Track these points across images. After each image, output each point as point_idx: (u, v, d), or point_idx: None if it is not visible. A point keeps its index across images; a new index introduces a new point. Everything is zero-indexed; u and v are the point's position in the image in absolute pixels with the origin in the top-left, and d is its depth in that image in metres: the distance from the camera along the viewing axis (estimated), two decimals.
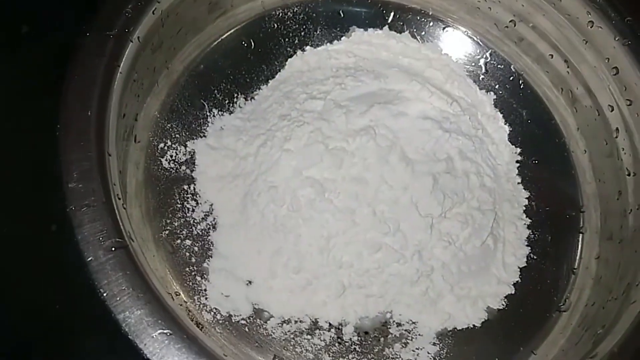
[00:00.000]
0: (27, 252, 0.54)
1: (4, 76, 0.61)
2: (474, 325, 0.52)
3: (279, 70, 0.60)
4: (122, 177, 0.46)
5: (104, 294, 0.33)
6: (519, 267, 0.55)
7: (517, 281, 0.54)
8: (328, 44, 0.62)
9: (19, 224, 0.54)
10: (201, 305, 0.49)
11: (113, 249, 0.34)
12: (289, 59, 0.60)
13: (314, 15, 0.62)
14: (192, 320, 0.42)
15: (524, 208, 0.58)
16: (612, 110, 0.55)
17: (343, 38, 0.62)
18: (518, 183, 0.59)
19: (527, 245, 0.56)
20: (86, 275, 0.33)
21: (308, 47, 0.61)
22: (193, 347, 0.33)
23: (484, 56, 0.64)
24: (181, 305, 0.46)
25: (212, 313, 0.49)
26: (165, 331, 0.33)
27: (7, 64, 0.60)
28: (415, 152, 0.52)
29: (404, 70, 0.59)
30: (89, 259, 0.34)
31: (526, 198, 0.58)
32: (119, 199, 0.37)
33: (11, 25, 0.61)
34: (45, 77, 0.58)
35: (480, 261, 0.53)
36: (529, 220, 0.57)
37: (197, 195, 0.54)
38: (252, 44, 0.60)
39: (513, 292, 0.54)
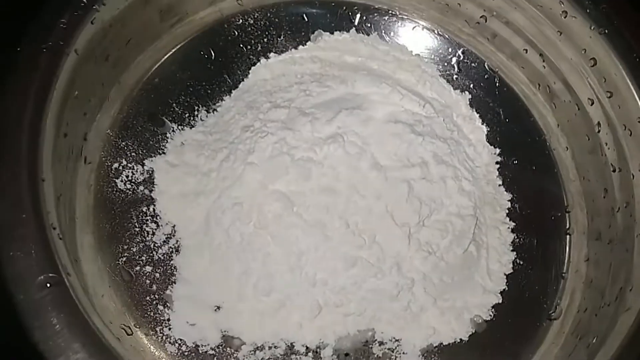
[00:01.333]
0: None
1: None
2: (460, 340, 0.49)
3: (242, 80, 0.56)
4: (69, 203, 0.42)
5: (35, 338, 0.29)
6: (505, 274, 0.52)
7: (504, 289, 0.52)
8: (292, 49, 0.59)
9: None
10: (164, 337, 0.46)
11: (47, 285, 0.31)
12: (252, 68, 0.57)
13: (277, 20, 0.59)
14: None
15: (507, 211, 0.55)
16: (592, 104, 0.53)
17: (308, 43, 0.59)
18: (499, 185, 0.56)
19: (512, 251, 0.53)
20: (15, 316, 0.29)
21: (272, 54, 0.58)
22: None
23: (457, 55, 0.61)
24: (144, 338, 0.42)
25: (177, 345, 0.46)
26: None
27: None
28: (387, 158, 0.48)
29: (373, 73, 0.56)
30: (20, 297, 0.30)
31: (508, 200, 0.55)
32: (54, 228, 0.33)
33: None
34: None
35: (463, 270, 0.50)
36: (513, 224, 0.54)
37: (158, 217, 0.50)
38: (212, 53, 0.56)
39: (500, 301, 0.51)
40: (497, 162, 0.57)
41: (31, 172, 0.33)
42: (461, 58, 0.61)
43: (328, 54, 0.59)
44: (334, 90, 0.53)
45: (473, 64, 0.61)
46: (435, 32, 0.61)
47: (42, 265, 0.31)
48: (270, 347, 0.47)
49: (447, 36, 0.61)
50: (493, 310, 0.51)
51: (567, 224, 0.55)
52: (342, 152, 0.48)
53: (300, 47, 0.59)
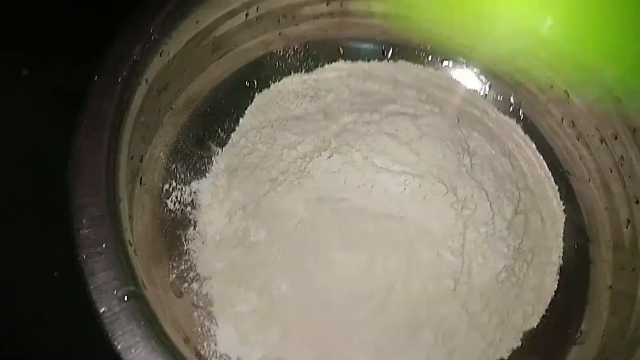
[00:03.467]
0: (31, 299, 0.53)
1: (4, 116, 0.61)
2: None
3: None
4: (130, 222, 0.45)
5: (119, 346, 0.31)
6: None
7: None
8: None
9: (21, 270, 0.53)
10: (210, 352, 0.48)
11: (126, 298, 0.33)
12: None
13: (314, 52, 0.63)
14: None
15: None
16: (616, 138, 0.56)
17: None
18: None
19: None
20: (97, 326, 0.32)
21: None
22: None
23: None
24: (193, 353, 0.44)
25: (223, 359, 0.48)
26: None
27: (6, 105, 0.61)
28: None
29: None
30: (102, 309, 0.32)
31: None
32: (131, 245, 0.36)
33: (12, 67, 0.62)
34: (44, 117, 0.59)
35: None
36: None
37: (202, 236, 0.53)
38: (255, 83, 0.60)
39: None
40: None
41: (110, 192, 0.36)
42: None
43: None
44: None
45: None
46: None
47: (122, 279, 0.34)
48: None
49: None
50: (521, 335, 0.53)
51: (591, 252, 0.58)
52: None
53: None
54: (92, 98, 0.38)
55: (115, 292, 0.33)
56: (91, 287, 0.33)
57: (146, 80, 0.42)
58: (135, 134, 0.43)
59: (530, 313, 0.55)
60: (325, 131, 0.53)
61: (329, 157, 0.50)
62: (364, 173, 0.49)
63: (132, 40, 0.41)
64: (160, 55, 0.44)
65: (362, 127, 0.51)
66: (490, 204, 0.51)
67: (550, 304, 0.55)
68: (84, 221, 0.34)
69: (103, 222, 0.34)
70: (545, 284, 0.56)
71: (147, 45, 0.41)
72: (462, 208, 0.50)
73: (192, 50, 0.50)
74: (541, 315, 0.55)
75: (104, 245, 0.34)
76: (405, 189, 0.48)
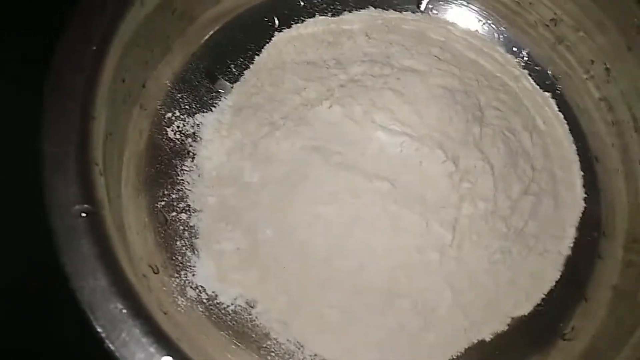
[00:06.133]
0: None
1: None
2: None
3: None
4: (119, 143, 0.46)
5: (64, 260, 0.32)
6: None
7: None
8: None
9: None
10: (187, 282, 0.49)
11: (82, 214, 0.34)
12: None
13: None
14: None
15: None
16: None
17: None
18: None
19: None
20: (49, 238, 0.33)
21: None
22: (147, 327, 0.32)
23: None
24: (163, 279, 0.45)
25: (197, 291, 0.49)
26: (119, 306, 0.32)
27: None
28: None
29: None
30: (56, 222, 0.33)
31: None
32: (97, 164, 0.36)
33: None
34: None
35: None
36: None
37: (200, 170, 0.53)
38: (276, 21, 0.58)
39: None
40: None
41: (83, 109, 0.36)
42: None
43: None
44: None
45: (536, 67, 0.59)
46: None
47: (79, 196, 0.34)
48: None
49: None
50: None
51: (601, 247, 0.54)
52: None
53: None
54: (78, 14, 0.37)
55: (70, 207, 0.33)
56: (48, 202, 0.33)
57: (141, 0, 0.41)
58: (131, 56, 0.43)
59: (522, 300, 0.52)
60: (332, 80, 0.50)
61: (329, 107, 0.48)
62: (362, 128, 0.47)
63: None
64: None
65: (369, 79, 0.48)
66: (495, 179, 0.48)
67: (546, 294, 0.52)
68: (51, 137, 0.34)
69: (69, 138, 0.35)
70: (545, 272, 0.53)
71: None
72: (460, 180, 0.47)
73: None
74: (535, 304, 0.52)
75: (67, 162, 0.34)
76: (401, 150, 0.46)
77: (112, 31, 0.39)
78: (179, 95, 0.54)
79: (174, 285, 0.48)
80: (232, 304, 0.48)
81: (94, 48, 0.37)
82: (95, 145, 0.36)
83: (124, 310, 0.32)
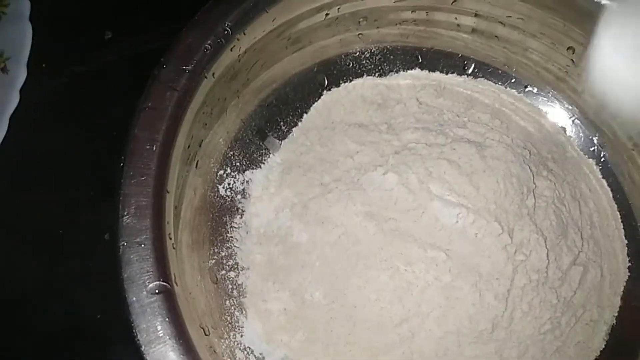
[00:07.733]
0: (80, 255, 0.56)
1: (84, 79, 0.64)
2: None
3: None
4: (177, 204, 0.46)
5: (140, 339, 0.32)
6: None
7: None
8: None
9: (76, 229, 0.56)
10: (235, 343, 0.49)
11: (157, 291, 0.34)
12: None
13: (391, 57, 0.61)
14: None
15: None
16: None
17: None
18: None
19: None
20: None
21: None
22: None
23: None
24: (214, 341, 0.45)
25: (245, 352, 0.49)
26: None
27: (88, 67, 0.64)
28: None
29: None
30: (132, 299, 0.33)
31: None
32: (170, 238, 0.37)
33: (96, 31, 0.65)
34: (121, 84, 0.61)
35: None
36: None
37: (247, 227, 0.53)
38: (325, 80, 0.59)
39: None
40: None
41: (158, 184, 0.37)
42: None
43: None
44: None
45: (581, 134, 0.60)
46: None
47: (155, 273, 0.34)
48: None
49: None
50: None
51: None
52: None
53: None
54: (155, 87, 0.38)
55: (146, 284, 0.34)
56: (124, 276, 0.34)
57: (213, 74, 0.42)
58: (196, 123, 0.44)
59: None
60: (385, 145, 0.51)
61: (384, 174, 0.49)
62: (417, 197, 0.47)
63: (204, 33, 0.41)
64: (231, 50, 0.43)
65: (424, 148, 0.49)
66: (548, 251, 0.48)
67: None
68: (129, 209, 0.35)
69: (147, 213, 0.35)
70: (592, 342, 0.53)
71: (218, 40, 0.41)
72: (515, 252, 0.47)
73: (266, 44, 0.49)
74: None
75: (144, 237, 0.35)
76: (457, 221, 0.46)
77: (184, 105, 0.39)
78: (231, 152, 0.55)
79: (223, 347, 0.48)
80: None
81: (168, 123, 0.38)
82: (169, 218, 0.37)
83: None
